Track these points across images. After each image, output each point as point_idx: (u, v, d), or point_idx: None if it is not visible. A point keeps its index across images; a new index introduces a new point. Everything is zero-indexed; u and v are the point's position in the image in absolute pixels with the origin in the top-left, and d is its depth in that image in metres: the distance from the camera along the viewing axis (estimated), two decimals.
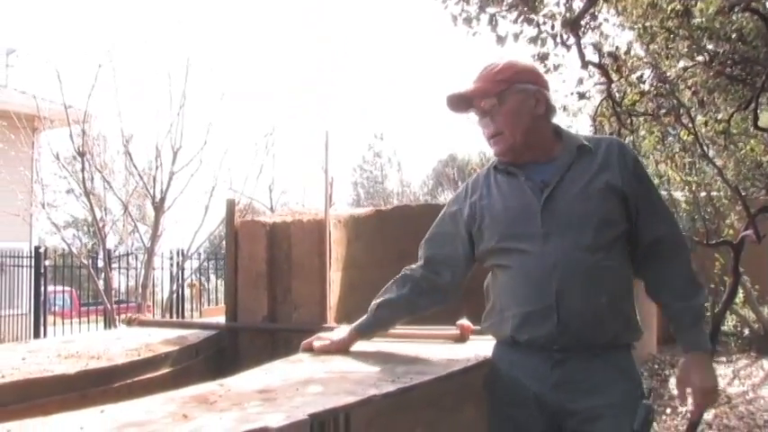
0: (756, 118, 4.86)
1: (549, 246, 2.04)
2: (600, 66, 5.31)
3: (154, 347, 2.55)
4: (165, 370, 2.46)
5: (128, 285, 13.78)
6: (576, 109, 7.22)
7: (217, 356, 2.91)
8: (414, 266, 2.43)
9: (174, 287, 9.18)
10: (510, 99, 2.12)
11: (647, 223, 2.08)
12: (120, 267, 12.40)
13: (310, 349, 2.38)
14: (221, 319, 3.23)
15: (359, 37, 52.61)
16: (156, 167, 7.17)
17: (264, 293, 3.04)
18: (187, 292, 11.90)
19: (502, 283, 2.19)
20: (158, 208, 7.13)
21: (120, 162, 8.30)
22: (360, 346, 2.59)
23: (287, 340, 2.93)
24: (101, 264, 9.94)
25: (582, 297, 2.01)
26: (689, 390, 2.04)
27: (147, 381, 2.33)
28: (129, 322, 3.19)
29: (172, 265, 9.90)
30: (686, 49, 5.11)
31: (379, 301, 2.43)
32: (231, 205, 3.12)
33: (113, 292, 8.44)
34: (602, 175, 2.07)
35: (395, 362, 2.21)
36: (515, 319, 2.09)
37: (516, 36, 4.96)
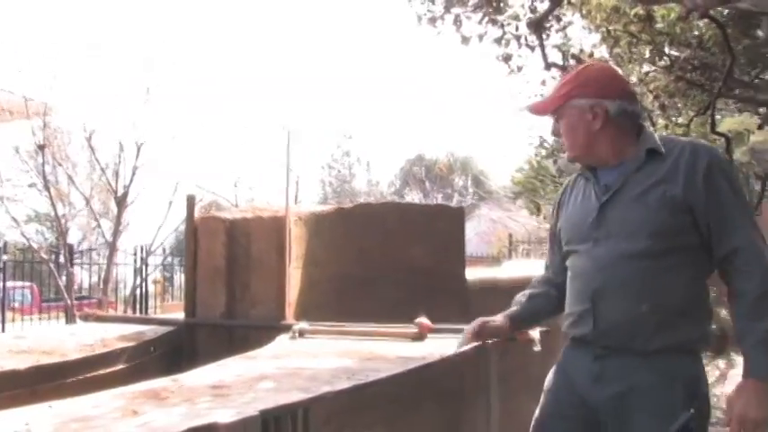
0: (714, 123, 4.95)
1: (598, 250, 2.10)
2: (563, 68, 5.37)
3: (109, 343, 2.52)
4: (119, 366, 2.44)
5: (90, 281, 13.61)
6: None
7: (174, 353, 2.89)
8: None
9: (137, 283, 9.09)
10: (566, 115, 2.19)
11: (719, 236, 2.01)
12: (82, 263, 12.24)
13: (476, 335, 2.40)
14: (181, 315, 3.22)
15: (328, 35, 52.46)
16: (119, 162, 7.10)
17: (223, 290, 3.03)
18: (152, 288, 11.78)
19: (567, 284, 2.24)
20: (121, 203, 7.06)
21: (83, 156, 8.20)
22: (317, 343, 2.60)
23: (245, 337, 2.92)
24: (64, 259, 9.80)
25: (619, 304, 2.06)
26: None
27: (101, 377, 2.31)
28: (86, 318, 3.16)
29: (135, 260, 9.81)
30: (648, 54, 5.19)
31: (528, 292, 2.46)
32: (191, 201, 3.10)
33: (76, 288, 8.32)
34: (664, 183, 2.05)
35: (351, 359, 2.22)
36: (568, 319, 2.19)
37: (481, 37, 5.00)
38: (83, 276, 12.89)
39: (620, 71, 2.78)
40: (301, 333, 2.69)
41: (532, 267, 5.93)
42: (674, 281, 2.04)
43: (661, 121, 6.03)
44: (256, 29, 48.17)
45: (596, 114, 2.14)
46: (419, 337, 2.63)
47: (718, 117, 5.62)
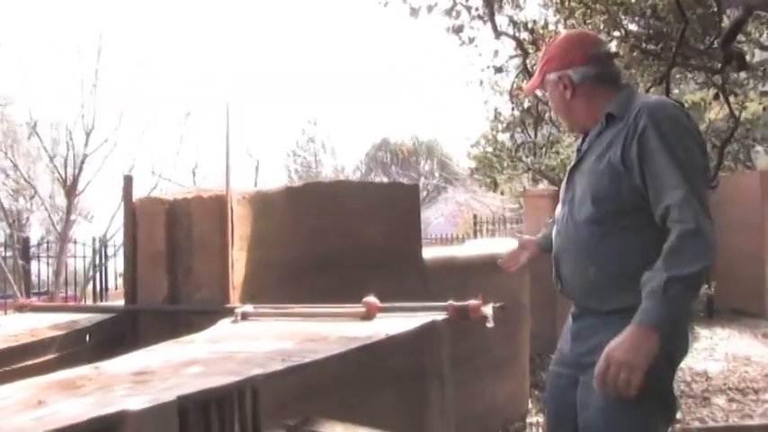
0: (668, 90, 4.90)
1: (563, 213, 2.27)
2: (514, 37, 5.28)
3: (38, 333, 2.38)
4: (48, 356, 2.30)
5: (49, 276, 13.31)
6: (492, 83, 7.19)
7: (113, 341, 2.76)
8: None
9: (90, 275, 8.88)
10: (548, 89, 2.37)
11: (654, 197, 2.01)
12: (39, 257, 11.94)
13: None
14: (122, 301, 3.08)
15: (288, 22, 51.90)
16: (68, 150, 6.87)
17: (164, 274, 2.89)
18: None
19: None
20: (70, 192, 6.83)
21: (25, 144, 7.91)
22: (259, 326, 2.49)
23: (188, 322, 2.79)
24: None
25: (571, 267, 2.23)
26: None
27: (26, 368, 2.17)
28: (21, 308, 3.00)
29: (93, 251, 9.58)
30: (603, 25, 5.12)
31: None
32: (129, 182, 2.96)
33: (32, 282, 8.08)
34: (610, 148, 2.11)
35: (292, 341, 2.11)
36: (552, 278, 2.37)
37: (430, 8, 4.88)
38: (40, 271, 12.61)
39: (590, 34, 2.78)
40: (244, 316, 2.57)
41: (492, 245, 5.87)
42: (622, 245, 2.09)
43: None
44: (226, 16, 47.59)
45: (565, 85, 2.26)
46: (367, 316, 2.53)
47: (676, 91, 5.59)
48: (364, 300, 2.57)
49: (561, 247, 2.28)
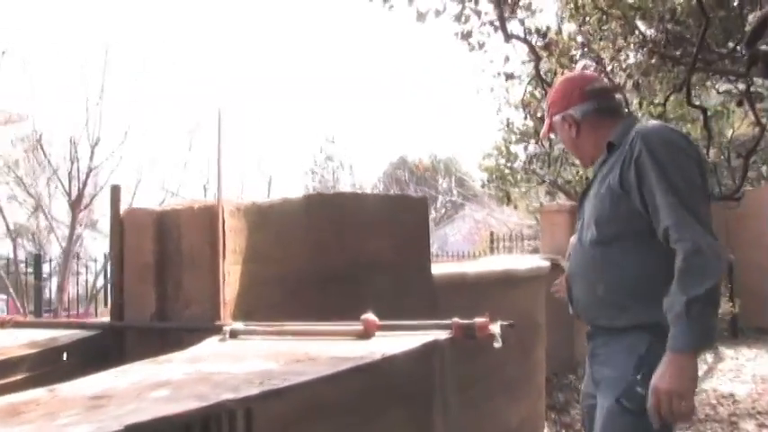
0: (690, 95, 4.70)
1: (574, 238, 2.44)
2: (525, 41, 5.09)
3: (8, 351, 2.22)
4: (16, 377, 2.13)
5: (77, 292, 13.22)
6: (504, 91, 6.96)
7: (96, 359, 2.57)
8: None
9: (94, 291, 8.73)
10: (557, 131, 2.53)
11: (654, 218, 2.10)
12: (50, 274, 11.86)
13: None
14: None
15: (307, 39, 52.17)
16: (72, 163, 6.73)
17: (152, 289, 2.73)
18: None
19: None
20: (74, 206, 6.69)
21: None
22: (247, 345, 2.31)
23: (178, 340, 2.61)
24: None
25: (581, 287, 2.36)
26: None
27: None
28: (3, 324, 2.84)
29: (96, 267, 9.43)
30: (620, 30, 4.93)
31: None
32: (116, 192, 2.80)
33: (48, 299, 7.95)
34: (610, 173, 2.24)
35: (278, 362, 1.93)
36: None
37: (438, 13, 4.70)
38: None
39: (585, 74, 3.07)
40: (233, 334, 2.39)
41: (505, 262, 5.68)
42: (626, 264, 2.20)
43: (636, 103, 5.78)
44: (238, 30, 47.87)
45: (569, 124, 2.42)
46: (365, 334, 2.34)
47: (695, 91, 5.37)
48: (362, 317, 2.39)
49: (572, 270, 2.42)
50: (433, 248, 20.80)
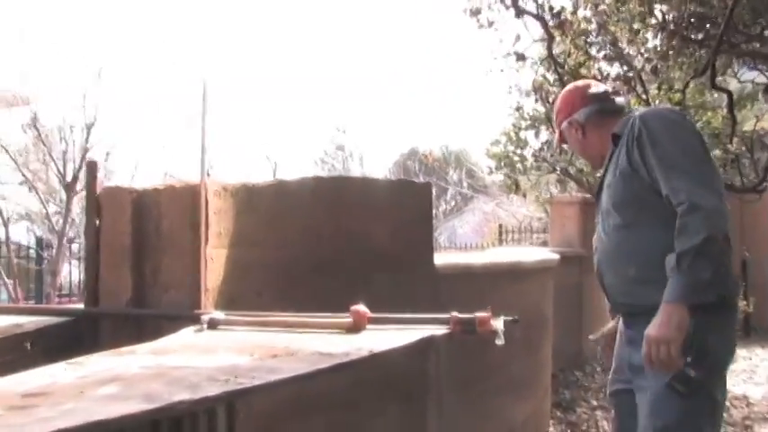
0: (714, 77, 4.46)
1: (599, 230, 2.49)
2: (538, 17, 4.84)
3: None
4: None
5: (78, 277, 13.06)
6: (514, 71, 6.59)
7: (66, 348, 2.38)
8: None
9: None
10: (567, 139, 2.66)
11: (665, 188, 2.17)
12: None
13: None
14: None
15: (319, 31, 51.82)
16: (66, 145, 6.51)
17: (129, 273, 2.53)
18: None
19: None
20: (69, 188, 6.49)
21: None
22: (225, 337, 2.12)
23: (156, 328, 2.41)
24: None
25: (613, 272, 2.40)
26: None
27: None
28: None
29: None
30: (638, 11, 4.68)
31: None
32: (92, 168, 2.61)
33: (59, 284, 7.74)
34: (617, 158, 2.35)
35: (252, 356, 1.73)
36: None
37: None
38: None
39: (585, 81, 3.07)
40: (212, 324, 2.20)
41: (513, 253, 5.47)
42: (652, 240, 2.22)
43: (654, 89, 5.51)
44: (249, 22, 47.61)
45: (576, 128, 2.56)
46: (354, 328, 2.14)
47: (719, 76, 5.10)
48: (352, 309, 2.19)
49: (601, 261, 2.47)
50: (442, 240, 20.62)
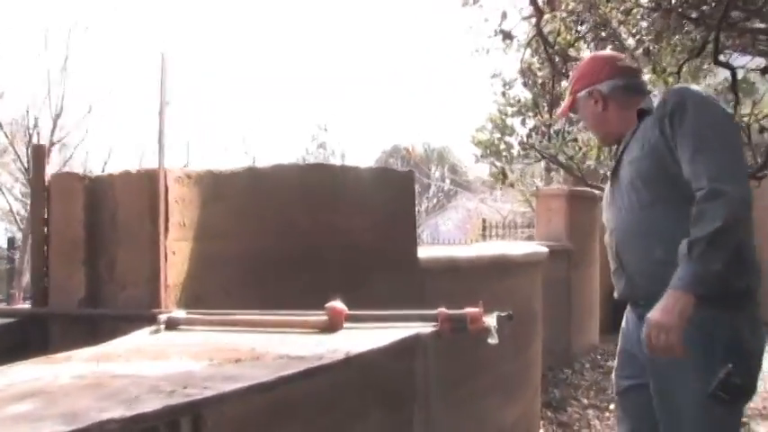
0: (717, 52, 4.23)
1: (612, 212, 2.38)
2: None
3: None
4: None
5: None
6: (501, 52, 6.30)
7: (8, 354, 2.13)
8: None
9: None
10: (579, 108, 2.54)
11: (687, 168, 2.09)
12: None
13: None
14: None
15: (300, 28, 51.42)
16: (30, 138, 6.22)
17: (82, 268, 2.28)
18: None
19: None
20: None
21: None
22: (184, 339, 1.88)
23: (113, 329, 2.16)
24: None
25: (637, 254, 2.27)
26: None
27: None
28: None
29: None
30: None
31: None
32: (39, 153, 2.35)
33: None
34: (646, 135, 2.24)
35: (209, 361, 1.49)
36: (612, 280, 2.42)
37: None
38: None
39: (614, 53, 2.97)
40: (171, 324, 1.96)
41: (500, 247, 5.25)
42: (680, 218, 2.07)
43: (647, 71, 5.27)
44: (233, 20, 47.17)
45: (596, 99, 2.44)
46: (330, 327, 1.91)
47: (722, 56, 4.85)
48: (327, 305, 1.95)
49: (620, 241, 2.34)
50: (424, 237, 20.40)
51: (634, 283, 2.29)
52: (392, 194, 3.28)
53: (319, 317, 1.94)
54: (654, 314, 2.02)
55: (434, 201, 31.12)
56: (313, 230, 2.82)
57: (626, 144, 2.37)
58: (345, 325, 1.93)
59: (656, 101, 2.32)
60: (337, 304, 1.95)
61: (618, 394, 2.48)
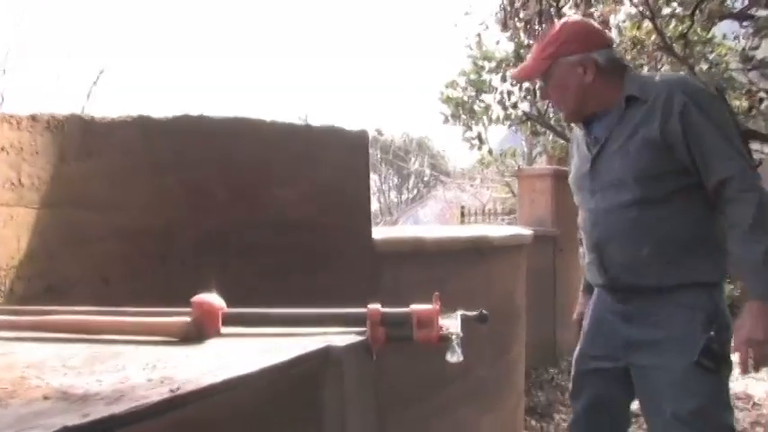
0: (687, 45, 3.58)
1: (595, 202, 2.25)
2: None
3: None
4: None
5: None
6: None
7: None
8: None
9: None
10: (555, 74, 2.26)
11: (706, 170, 2.05)
12: None
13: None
14: None
15: (278, 22, 50.57)
16: None
17: None
18: None
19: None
20: None
21: None
22: None
23: None
24: None
25: (621, 250, 2.20)
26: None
27: None
28: None
29: None
30: None
31: None
32: None
33: None
34: (642, 127, 2.12)
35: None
36: (587, 267, 2.38)
37: None
38: None
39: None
40: None
41: (475, 229, 4.58)
42: (673, 220, 2.10)
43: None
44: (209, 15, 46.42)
45: (587, 68, 2.22)
46: (195, 333, 1.21)
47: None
48: (194, 300, 1.25)
49: (605, 236, 2.24)
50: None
51: (616, 277, 2.23)
52: (340, 158, 2.56)
53: (181, 317, 1.24)
54: (742, 333, 1.99)
55: (414, 191, 30.63)
56: (228, 201, 2.12)
57: (609, 130, 2.21)
58: (224, 330, 1.24)
59: (637, 86, 2.17)
60: (211, 299, 1.25)
61: (578, 375, 2.42)
